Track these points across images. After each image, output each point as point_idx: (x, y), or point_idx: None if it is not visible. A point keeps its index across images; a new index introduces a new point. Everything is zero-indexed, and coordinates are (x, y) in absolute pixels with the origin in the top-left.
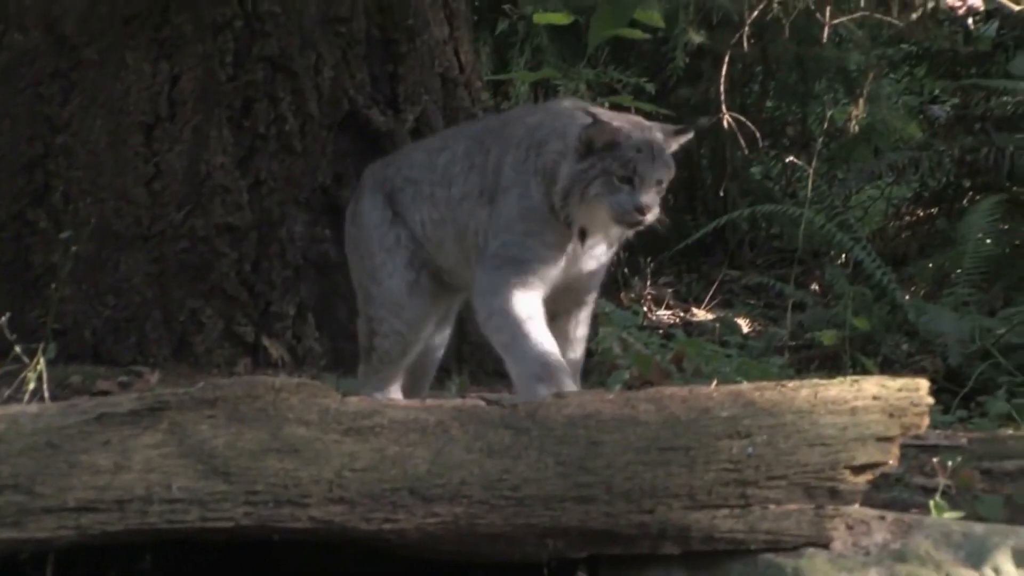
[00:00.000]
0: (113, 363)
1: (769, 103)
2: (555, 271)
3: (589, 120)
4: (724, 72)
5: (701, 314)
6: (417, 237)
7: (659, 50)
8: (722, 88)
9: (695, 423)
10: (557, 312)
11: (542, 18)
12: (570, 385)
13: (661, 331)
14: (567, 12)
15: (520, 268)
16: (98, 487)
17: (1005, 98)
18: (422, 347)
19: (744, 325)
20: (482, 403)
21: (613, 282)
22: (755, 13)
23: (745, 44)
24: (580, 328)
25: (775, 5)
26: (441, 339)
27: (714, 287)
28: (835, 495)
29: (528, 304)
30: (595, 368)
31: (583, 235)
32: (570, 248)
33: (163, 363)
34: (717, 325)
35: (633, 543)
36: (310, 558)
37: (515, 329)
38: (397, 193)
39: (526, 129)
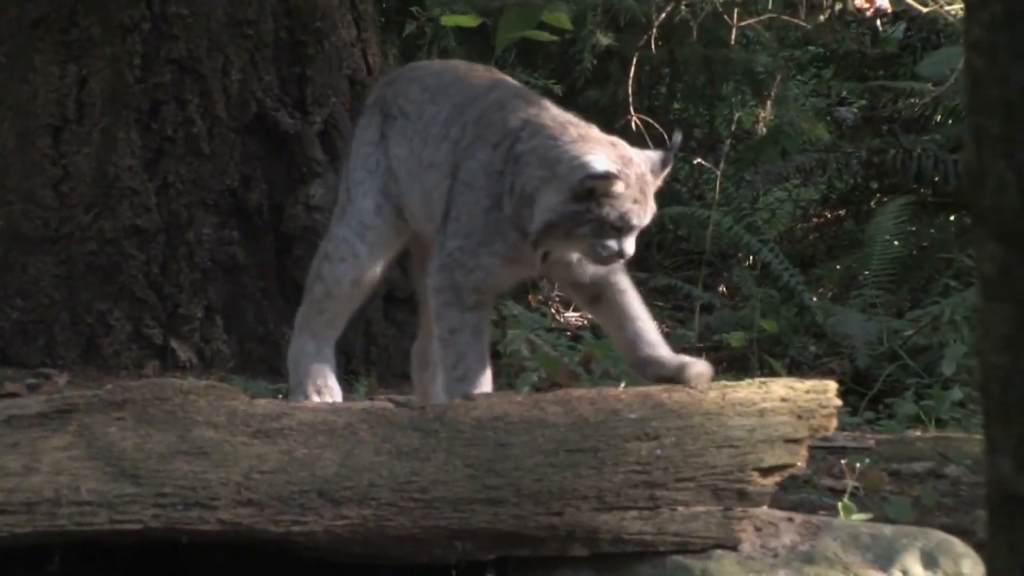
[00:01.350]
0: (21, 365)
1: (677, 105)
2: (507, 279)
3: (595, 168)
4: (632, 74)
5: None
6: (392, 169)
7: (567, 52)
8: (630, 90)
9: (603, 425)
10: (598, 298)
11: (450, 20)
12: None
13: (569, 333)
14: (474, 14)
15: (470, 277)
16: (6, 489)
17: (912, 100)
18: (367, 295)
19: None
20: (391, 405)
21: (520, 284)
22: (663, 15)
23: (653, 46)
24: (628, 304)
25: (683, 7)
26: None
27: None
28: (743, 497)
29: (471, 319)
30: (503, 370)
31: (545, 256)
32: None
33: (71, 365)
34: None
35: (542, 545)
36: (219, 561)
37: (456, 346)
38: (390, 119)
39: (503, 132)
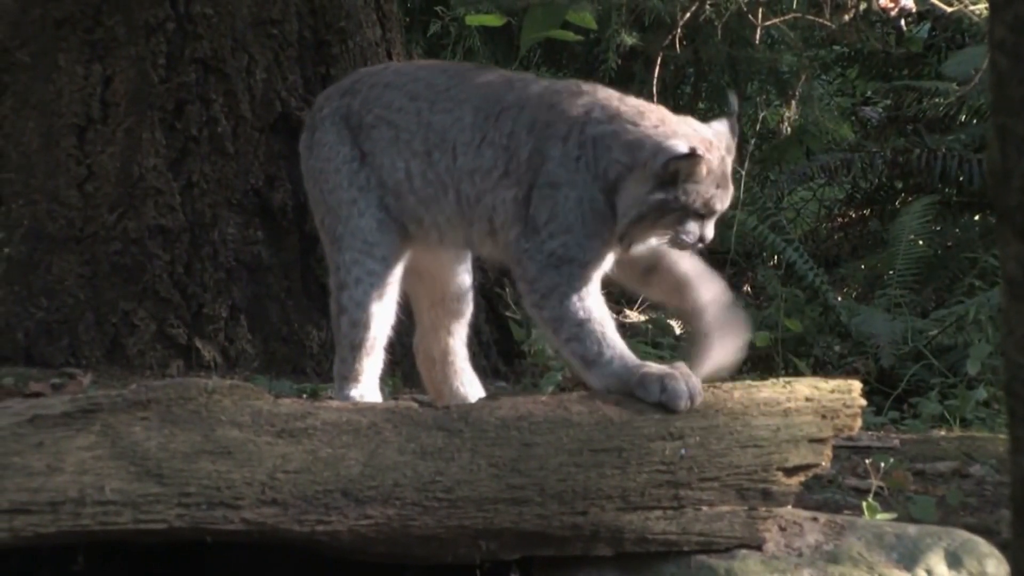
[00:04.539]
0: (46, 365)
1: (701, 105)
2: (608, 266)
3: (678, 149)
4: (656, 74)
5: (633, 315)
6: (388, 183)
7: (591, 52)
8: (654, 90)
9: (628, 425)
10: (652, 269)
11: (474, 20)
12: (651, 366)
13: None
14: (499, 14)
15: (583, 269)
16: (31, 489)
17: (937, 99)
18: (393, 317)
19: (676, 326)
20: (415, 405)
21: None
22: (687, 15)
23: (677, 46)
24: (685, 271)
25: (707, 7)
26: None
27: None
28: (768, 497)
29: (596, 304)
30: (527, 370)
31: (629, 245)
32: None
33: (96, 365)
34: (649, 326)
35: (566, 544)
36: (243, 560)
37: (592, 334)
38: (367, 129)
39: (567, 122)
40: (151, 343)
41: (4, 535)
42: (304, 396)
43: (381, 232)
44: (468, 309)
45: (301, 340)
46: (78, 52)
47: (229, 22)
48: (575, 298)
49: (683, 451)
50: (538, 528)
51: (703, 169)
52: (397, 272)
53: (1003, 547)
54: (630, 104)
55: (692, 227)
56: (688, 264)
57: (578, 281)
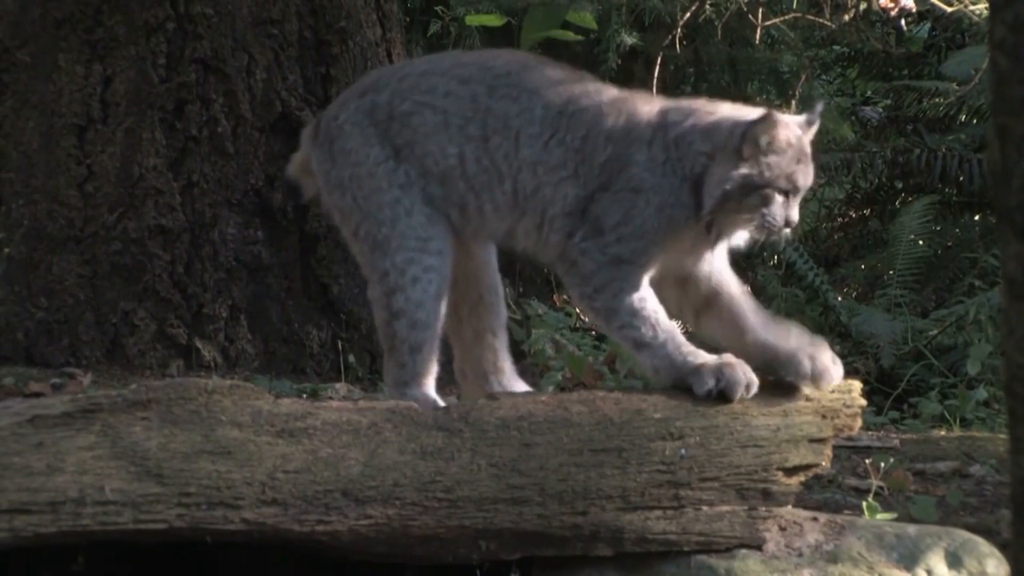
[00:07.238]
0: (46, 365)
1: None
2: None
3: (753, 117)
4: (656, 74)
5: None
6: (435, 170)
7: (591, 52)
8: (654, 90)
9: (628, 425)
10: (707, 306)
11: (474, 20)
12: (705, 356)
13: (594, 332)
14: (499, 14)
15: (641, 269)
16: (31, 489)
17: (937, 99)
18: (444, 316)
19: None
20: (415, 405)
21: (545, 283)
22: (687, 15)
23: (678, 46)
24: (743, 313)
25: (707, 7)
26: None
27: None
28: (768, 496)
29: (648, 295)
30: (527, 370)
31: (717, 237)
32: (689, 246)
33: (96, 365)
34: None
35: (566, 545)
36: (243, 561)
37: (646, 320)
38: (402, 119)
39: (652, 128)
40: (151, 343)
41: (5, 535)
42: (304, 396)
43: (432, 226)
44: (504, 307)
45: (301, 340)
46: (78, 52)
47: (229, 22)
48: (629, 291)
49: (683, 451)
50: (538, 528)
51: (782, 136)
52: (450, 265)
53: (1003, 547)
54: (701, 101)
55: (777, 208)
56: (743, 312)
57: (634, 277)
